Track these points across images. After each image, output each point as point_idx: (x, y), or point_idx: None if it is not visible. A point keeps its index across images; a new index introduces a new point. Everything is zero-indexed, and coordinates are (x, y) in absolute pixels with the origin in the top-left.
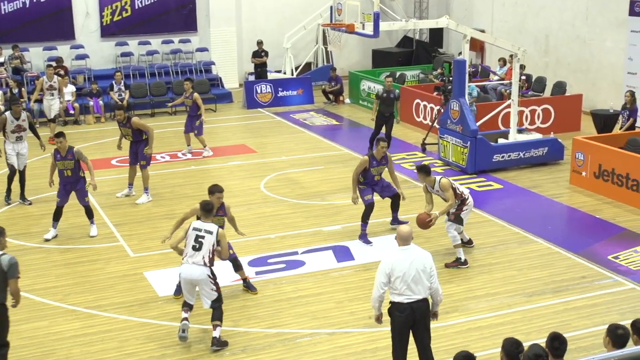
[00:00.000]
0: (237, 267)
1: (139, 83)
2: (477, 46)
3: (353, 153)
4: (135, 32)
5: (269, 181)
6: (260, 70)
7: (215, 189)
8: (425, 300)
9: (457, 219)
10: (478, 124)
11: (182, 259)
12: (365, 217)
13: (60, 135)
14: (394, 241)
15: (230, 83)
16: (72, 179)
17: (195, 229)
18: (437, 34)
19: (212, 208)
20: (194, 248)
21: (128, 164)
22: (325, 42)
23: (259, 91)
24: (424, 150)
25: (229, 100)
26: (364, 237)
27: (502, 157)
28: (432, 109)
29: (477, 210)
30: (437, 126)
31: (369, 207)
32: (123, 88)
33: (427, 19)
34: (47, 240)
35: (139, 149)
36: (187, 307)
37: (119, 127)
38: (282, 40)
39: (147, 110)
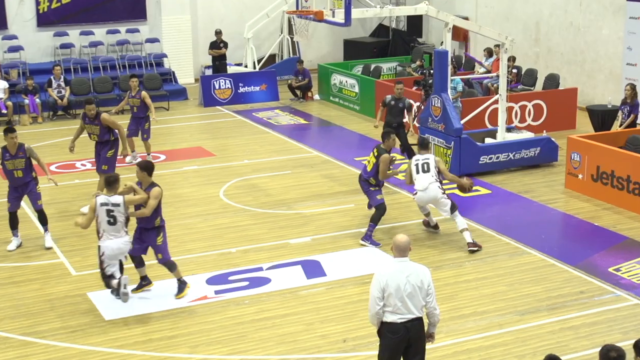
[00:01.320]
0: (171, 267)
1: (81, 78)
2: (460, 35)
3: (324, 155)
4: (77, 20)
5: (229, 188)
6: (219, 64)
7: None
8: (420, 319)
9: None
10: (462, 122)
11: (99, 237)
12: (377, 219)
13: (10, 130)
14: (370, 255)
15: (184, 78)
16: (24, 181)
17: (102, 204)
18: (415, 22)
19: (115, 181)
20: (109, 223)
21: (95, 169)
22: (291, 32)
23: (217, 87)
24: (403, 151)
25: (183, 97)
26: (369, 239)
27: (490, 158)
28: (411, 105)
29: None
30: (417, 125)
31: (382, 208)
32: (63, 84)
33: (404, 5)
34: (10, 251)
35: (103, 151)
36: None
37: (82, 125)
38: (243, 29)
39: None
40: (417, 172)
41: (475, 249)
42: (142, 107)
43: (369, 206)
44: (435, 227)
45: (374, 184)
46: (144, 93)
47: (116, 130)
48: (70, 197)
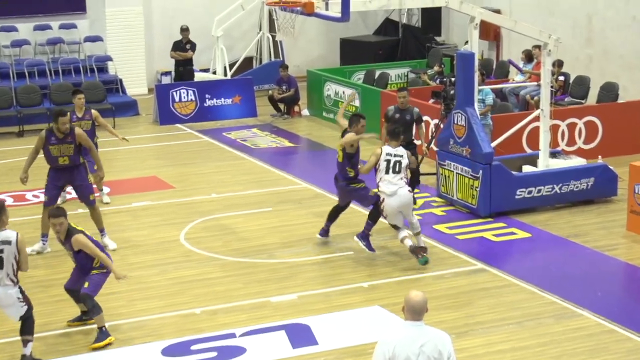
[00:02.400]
0: (93, 308)
1: (1, 88)
2: (490, 33)
3: (314, 188)
4: None
5: (192, 230)
6: (184, 70)
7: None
8: None
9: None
10: (493, 144)
11: None
12: (376, 216)
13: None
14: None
15: (135, 87)
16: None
17: None
18: (433, 17)
19: (2, 210)
20: None
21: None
22: (272, 29)
23: (177, 99)
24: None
25: (133, 112)
26: (366, 239)
27: (529, 192)
28: (427, 123)
29: (495, 271)
30: (435, 148)
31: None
32: None
33: None
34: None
35: (78, 177)
36: None
37: (41, 146)
38: (210, 25)
39: (13, 127)
40: (387, 171)
41: (424, 254)
42: (92, 131)
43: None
44: (423, 250)
45: (354, 177)
46: (94, 112)
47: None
48: None
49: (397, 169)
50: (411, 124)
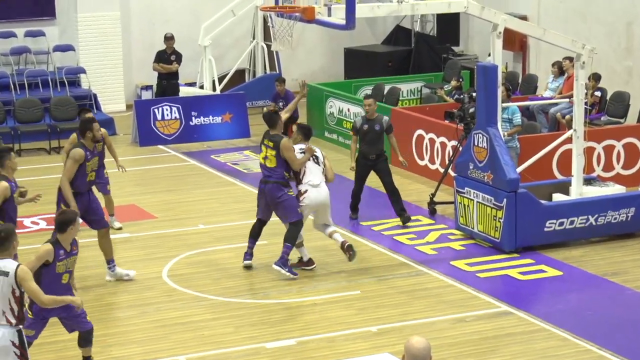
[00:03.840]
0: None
1: None
2: (515, 43)
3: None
4: None
5: (176, 266)
6: (167, 84)
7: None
8: None
9: None
10: (519, 169)
11: None
12: (294, 238)
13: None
14: None
15: (111, 104)
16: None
17: None
18: (450, 24)
19: (5, 239)
20: None
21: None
22: (267, 38)
23: (159, 117)
24: (432, 213)
25: (109, 131)
26: (286, 265)
27: (560, 224)
28: (443, 145)
29: (522, 314)
30: (453, 174)
31: (301, 224)
32: None
33: None
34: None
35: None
36: None
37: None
38: (197, 33)
39: None
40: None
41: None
42: (103, 152)
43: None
44: (309, 262)
45: (286, 183)
46: (103, 131)
47: None
48: None
49: (316, 161)
50: (381, 134)
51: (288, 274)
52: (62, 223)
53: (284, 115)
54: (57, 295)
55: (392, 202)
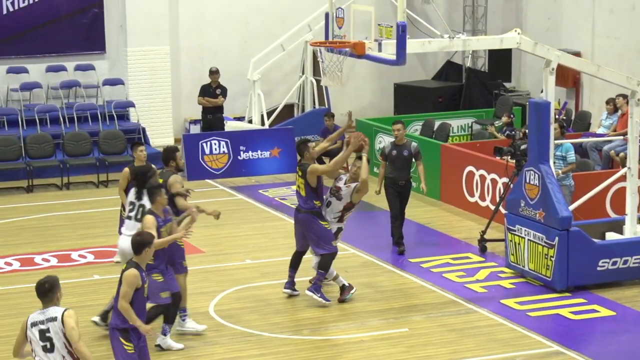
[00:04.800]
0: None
1: (8, 137)
2: (569, 79)
3: (363, 255)
4: (3, 52)
5: (223, 301)
6: (213, 118)
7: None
8: None
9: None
10: (572, 207)
11: None
12: (328, 265)
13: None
14: None
15: (160, 137)
16: None
17: (33, 324)
18: (501, 60)
19: (51, 289)
20: (45, 349)
21: None
22: (317, 72)
23: (207, 151)
24: (482, 250)
25: (157, 165)
26: (319, 290)
27: (614, 263)
28: (494, 182)
29: (573, 354)
30: (504, 211)
31: (334, 254)
32: None
33: (484, 34)
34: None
35: None
36: None
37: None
38: (246, 68)
39: (22, 181)
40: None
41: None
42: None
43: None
44: (349, 288)
45: (318, 213)
46: (153, 167)
47: None
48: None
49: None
50: (410, 159)
51: (320, 299)
52: (139, 245)
53: (323, 144)
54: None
55: (394, 227)
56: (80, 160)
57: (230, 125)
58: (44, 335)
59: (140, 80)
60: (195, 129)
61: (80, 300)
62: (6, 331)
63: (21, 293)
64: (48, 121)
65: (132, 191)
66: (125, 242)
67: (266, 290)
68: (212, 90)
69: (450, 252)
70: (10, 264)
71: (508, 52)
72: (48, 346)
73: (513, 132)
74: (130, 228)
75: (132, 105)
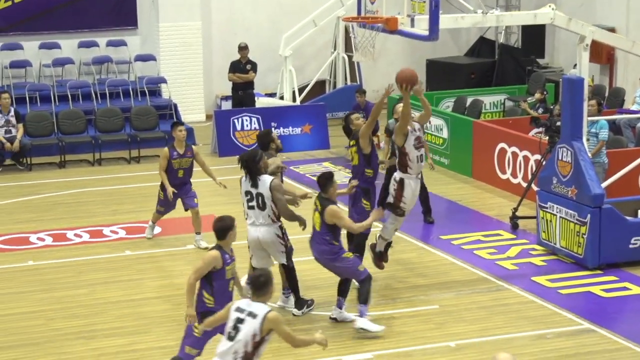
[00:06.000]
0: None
1: (40, 112)
2: (602, 56)
3: (397, 233)
4: (35, 27)
5: None
6: (243, 94)
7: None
8: None
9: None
10: (604, 185)
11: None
12: (368, 294)
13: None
14: None
15: (191, 114)
16: (184, 181)
17: (237, 309)
18: (535, 36)
19: (263, 284)
20: (228, 336)
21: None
22: (349, 48)
23: (239, 127)
24: (514, 227)
25: (189, 141)
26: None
27: None
28: (526, 159)
29: (604, 332)
30: (536, 188)
31: (370, 278)
32: (13, 120)
33: (518, 9)
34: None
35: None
36: None
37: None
38: (278, 43)
39: (54, 157)
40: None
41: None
42: (190, 168)
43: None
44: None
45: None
46: (195, 148)
47: None
48: (19, 288)
49: None
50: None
51: (375, 329)
52: (222, 230)
53: (370, 121)
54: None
55: (421, 200)
56: (112, 137)
57: (261, 102)
58: (236, 323)
59: (171, 56)
60: (227, 105)
61: (112, 276)
62: (39, 306)
63: (54, 268)
64: (80, 97)
65: (246, 180)
66: (255, 232)
67: (297, 267)
68: (242, 66)
69: (481, 230)
70: (42, 239)
71: (542, 27)
72: (232, 334)
73: (552, 107)
74: (257, 217)
75: (164, 81)
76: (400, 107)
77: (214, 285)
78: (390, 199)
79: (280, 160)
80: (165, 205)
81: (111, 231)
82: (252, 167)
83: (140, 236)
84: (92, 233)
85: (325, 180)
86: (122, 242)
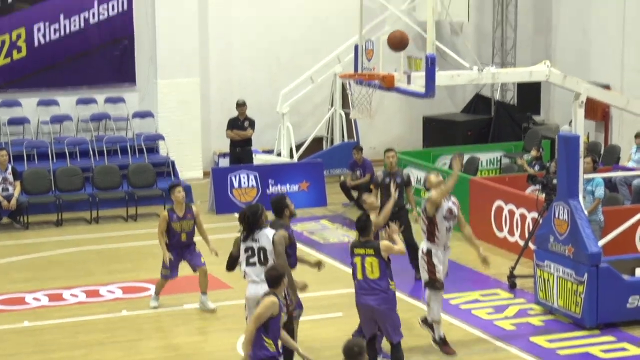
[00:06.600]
0: None
1: (37, 169)
2: (597, 113)
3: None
4: (33, 84)
5: None
6: (241, 151)
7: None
8: None
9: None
10: (601, 243)
11: None
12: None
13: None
14: None
15: (189, 171)
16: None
17: None
18: (530, 93)
19: (358, 353)
20: None
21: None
22: (346, 105)
23: (236, 185)
24: (512, 286)
25: (187, 199)
26: None
27: None
28: (523, 216)
29: None
30: (533, 247)
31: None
32: (10, 177)
33: (513, 66)
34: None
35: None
36: None
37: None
38: (276, 100)
39: (51, 214)
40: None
41: None
42: (193, 231)
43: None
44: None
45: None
46: (195, 209)
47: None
48: (14, 349)
49: None
50: (402, 187)
51: None
52: (276, 278)
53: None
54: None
55: (410, 258)
56: (109, 194)
57: (259, 159)
58: None
59: (170, 112)
60: (225, 162)
61: (109, 337)
62: None
63: (49, 329)
64: (78, 154)
65: (244, 237)
66: (255, 289)
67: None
68: (240, 123)
69: (479, 288)
70: (38, 299)
71: (537, 84)
72: None
73: (548, 165)
74: (258, 274)
75: (162, 138)
76: (436, 178)
77: (270, 331)
78: (425, 275)
79: (286, 234)
80: (169, 269)
81: (108, 291)
82: (254, 221)
83: (138, 296)
84: (89, 292)
85: (364, 224)
86: (119, 302)
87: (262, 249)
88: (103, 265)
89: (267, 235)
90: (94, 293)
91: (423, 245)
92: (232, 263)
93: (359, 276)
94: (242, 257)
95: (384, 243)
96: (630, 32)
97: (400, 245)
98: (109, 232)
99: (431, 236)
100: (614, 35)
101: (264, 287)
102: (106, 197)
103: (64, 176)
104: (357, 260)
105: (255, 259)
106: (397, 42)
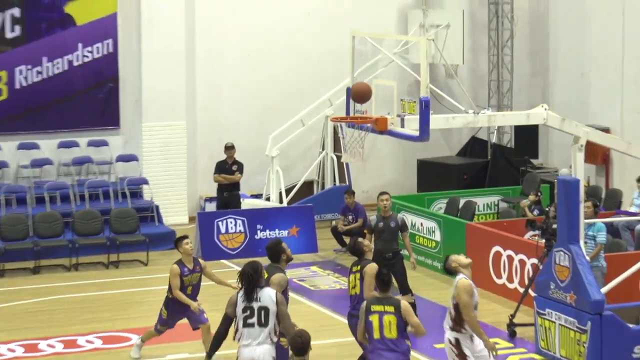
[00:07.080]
0: None
1: (16, 215)
2: (598, 156)
3: None
4: (14, 127)
5: None
6: (229, 195)
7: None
8: None
9: None
10: (604, 290)
11: None
12: None
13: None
14: None
15: (173, 215)
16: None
17: None
18: (528, 136)
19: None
20: None
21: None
22: (337, 149)
23: (223, 230)
24: (512, 335)
25: (170, 245)
26: None
27: None
28: (522, 262)
29: None
30: (533, 294)
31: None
32: None
33: (510, 109)
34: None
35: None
36: None
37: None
38: (265, 143)
39: (28, 262)
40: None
41: None
42: (199, 284)
43: None
44: None
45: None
46: (202, 262)
47: None
48: None
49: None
50: (396, 231)
51: None
52: (303, 345)
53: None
54: None
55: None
56: (90, 240)
57: (247, 203)
58: None
59: (155, 156)
60: (211, 207)
61: None
62: None
63: None
64: (58, 199)
65: (243, 295)
66: (250, 353)
67: None
68: (228, 167)
69: None
70: (13, 350)
71: (535, 127)
72: None
73: (547, 209)
74: (255, 337)
75: (146, 182)
76: (466, 260)
77: None
78: None
79: (286, 277)
80: (167, 325)
81: (86, 341)
82: (257, 279)
83: (118, 346)
84: (67, 343)
85: (386, 277)
86: (98, 353)
87: (264, 309)
88: (82, 314)
89: (269, 295)
90: (71, 343)
91: (449, 335)
92: (227, 326)
93: (376, 335)
94: (240, 317)
95: (405, 304)
96: (629, 73)
97: (424, 329)
98: (89, 280)
99: (458, 326)
100: (612, 77)
101: (258, 351)
102: (86, 243)
103: (43, 222)
104: (374, 317)
105: (255, 319)
106: (358, 95)
